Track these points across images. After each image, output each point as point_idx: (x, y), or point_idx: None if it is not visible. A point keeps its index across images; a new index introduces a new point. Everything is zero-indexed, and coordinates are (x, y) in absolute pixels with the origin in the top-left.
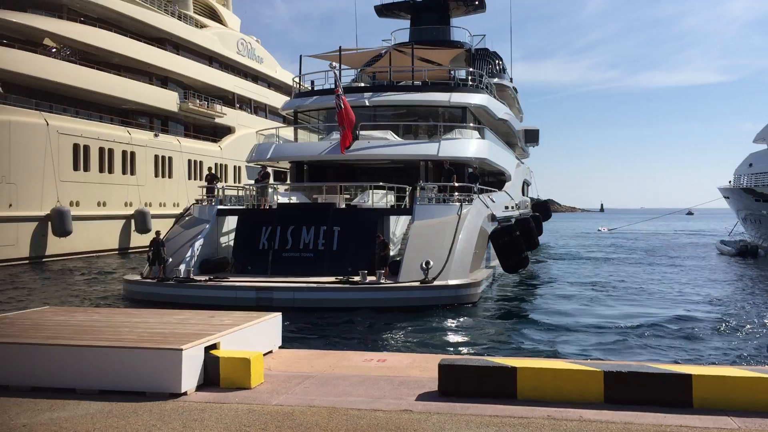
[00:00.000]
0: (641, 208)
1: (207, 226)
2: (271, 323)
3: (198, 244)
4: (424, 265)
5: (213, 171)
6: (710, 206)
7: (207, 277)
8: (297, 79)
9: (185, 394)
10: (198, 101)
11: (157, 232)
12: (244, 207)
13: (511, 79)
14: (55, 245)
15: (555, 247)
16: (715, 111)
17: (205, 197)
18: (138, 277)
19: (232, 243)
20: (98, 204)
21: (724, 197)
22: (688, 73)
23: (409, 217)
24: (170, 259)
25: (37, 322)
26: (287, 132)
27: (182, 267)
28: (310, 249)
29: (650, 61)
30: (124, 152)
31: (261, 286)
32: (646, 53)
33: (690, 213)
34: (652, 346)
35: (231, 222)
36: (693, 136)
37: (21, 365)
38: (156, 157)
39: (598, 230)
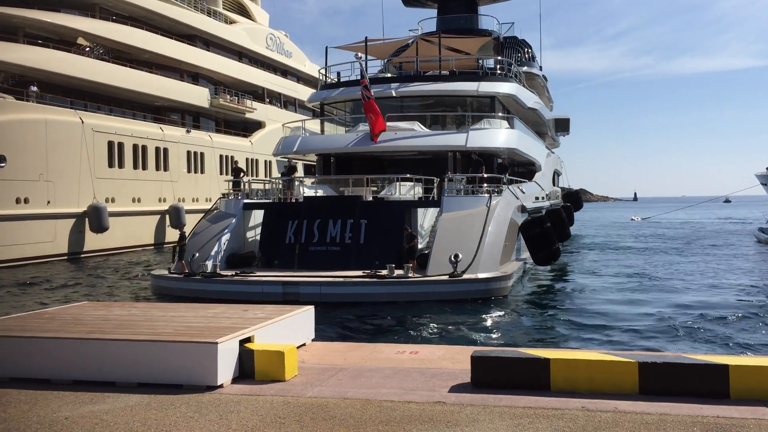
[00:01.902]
0: (683, 196)
1: (233, 220)
2: (304, 316)
3: (225, 238)
4: (452, 258)
5: (239, 164)
6: (748, 193)
7: (233, 272)
8: (323, 71)
9: (221, 386)
10: (228, 97)
11: (180, 227)
12: (270, 201)
13: (540, 67)
14: (92, 241)
15: (587, 238)
16: (751, 96)
17: (231, 191)
18: (165, 272)
19: (258, 237)
20: (133, 200)
21: (762, 184)
22: (724, 58)
23: (437, 209)
24: (197, 254)
25: (76, 317)
26: (314, 124)
27: (209, 262)
28: (337, 242)
29: (684, 47)
30: (157, 149)
31: (287, 281)
32: (680, 39)
33: (727, 201)
34: (687, 336)
35: (257, 216)
36: (729, 122)
37: (62, 359)
38: (188, 152)
39: (631, 219)
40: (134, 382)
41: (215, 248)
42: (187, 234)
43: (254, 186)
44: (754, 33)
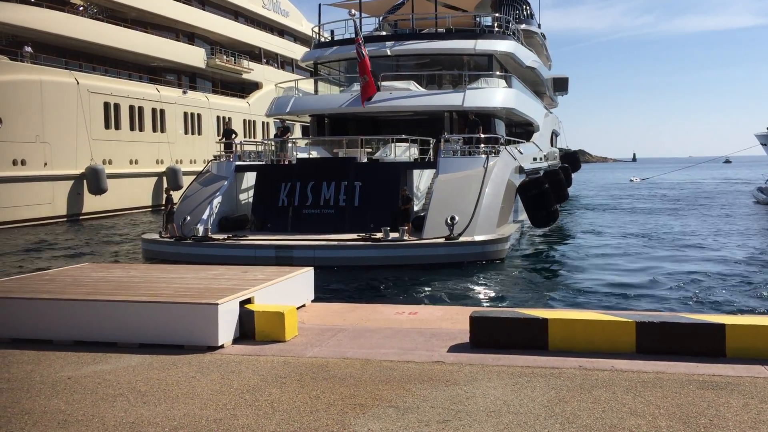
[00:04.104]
0: (689, 157)
1: (225, 183)
2: (304, 278)
3: (216, 201)
4: (449, 221)
5: (230, 125)
6: (749, 153)
7: (225, 236)
8: (316, 29)
9: (222, 347)
10: (225, 57)
11: (167, 189)
12: (263, 163)
13: (539, 25)
14: (90, 203)
15: (585, 199)
16: (753, 55)
17: (223, 153)
18: (156, 236)
19: (251, 200)
20: (130, 162)
21: (762, 144)
22: (726, 17)
23: (434, 170)
24: (188, 218)
25: (77, 279)
26: (308, 84)
27: (200, 226)
28: (331, 205)
29: (685, 5)
30: (153, 110)
31: (280, 245)
32: None
33: (728, 161)
34: (684, 296)
35: (250, 178)
36: (730, 82)
37: (64, 320)
38: (185, 114)
39: (630, 180)
40: (135, 342)
41: (207, 211)
42: (173, 197)
43: (247, 148)
44: None
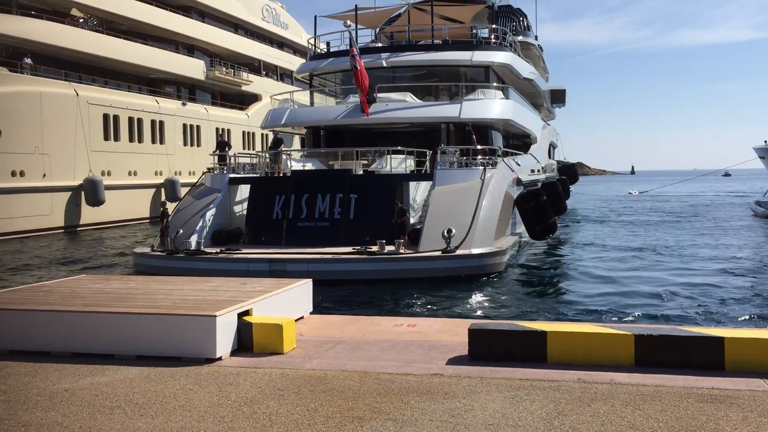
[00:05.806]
0: (694, 169)
1: (219, 195)
2: (302, 290)
3: (210, 214)
4: (445, 234)
5: (224, 137)
6: (748, 167)
7: (218, 249)
8: (312, 41)
9: (220, 359)
10: (224, 69)
11: (163, 203)
12: (257, 175)
13: (536, 37)
14: (88, 215)
15: (583, 212)
16: (752, 69)
17: (216, 165)
18: (148, 250)
19: (245, 213)
20: (129, 173)
21: (760, 157)
22: (725, 31)
23: (430, 182)
24: (181, 231)
25: (75, 290)
26: (304, 96)
27: (193, 239)
28: (326, 218)
29: (685, 19)
30: (152, 121)
31: (274, 258)
32: (681, 10)
33: (727, 174)
34: (683, 309)
35: (244, 191)
36: (729, 95)
37: (61, 332)
38: (184, 126)
39: (629, 193)
40: (133, 354)
41: (200, 224)
42: (169, 210)
43: (241, 160)
44: (755, 4)
